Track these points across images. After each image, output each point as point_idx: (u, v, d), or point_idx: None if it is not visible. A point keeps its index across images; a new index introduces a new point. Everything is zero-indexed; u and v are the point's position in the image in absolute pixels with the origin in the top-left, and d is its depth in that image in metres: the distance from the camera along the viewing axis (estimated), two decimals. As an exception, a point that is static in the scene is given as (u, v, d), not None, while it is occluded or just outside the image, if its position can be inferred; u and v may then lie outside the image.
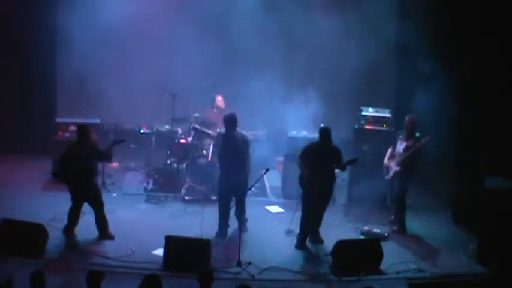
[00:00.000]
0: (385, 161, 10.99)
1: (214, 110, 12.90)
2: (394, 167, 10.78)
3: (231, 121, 10.47)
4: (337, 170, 10.22)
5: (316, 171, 9.93)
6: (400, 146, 10.78)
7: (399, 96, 13.40)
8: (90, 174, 10.01)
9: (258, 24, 12.93)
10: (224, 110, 12.86)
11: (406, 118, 10.80)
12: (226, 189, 10.41)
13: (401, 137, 10.85)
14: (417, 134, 10.73)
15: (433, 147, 10.79)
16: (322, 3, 13.45)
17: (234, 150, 10.34)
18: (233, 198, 10.35)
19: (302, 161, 10.12)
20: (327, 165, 10.02)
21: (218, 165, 10.90)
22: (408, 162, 10.64)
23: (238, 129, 10.58)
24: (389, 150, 11.05)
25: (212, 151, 11.78)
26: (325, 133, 10.08)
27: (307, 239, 10.23)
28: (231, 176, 10.30)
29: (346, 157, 10.18)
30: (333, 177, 10.20)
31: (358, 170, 11.82)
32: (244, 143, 10.48)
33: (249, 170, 10.47)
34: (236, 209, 10.24)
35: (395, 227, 10.87)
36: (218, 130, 12.19)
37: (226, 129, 10.51)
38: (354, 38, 13.54)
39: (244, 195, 10.34)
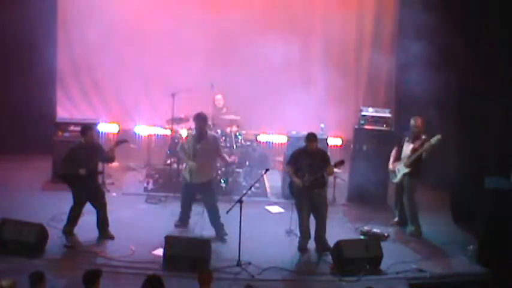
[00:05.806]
0: (390, 165, 10.88)
1: (213, 109, 12.89)
2: (403, 169, 10.71)
3: (202, 120, 10.13)
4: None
5: (306, 178, 9.78)
6: (407, 149, 10.68)
7: (399, 96, 13.38)
8: (93, 175, 10.01)
9: (258, 22, 12.96)
10: (221, 110, 12.86)
11: (412, 121, 10.63)
12: (189, 187, 10.28)
13: (407, 138, 10.74)
14: (423, 136, 10.66)
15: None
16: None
17: (203, 152, 10.04)
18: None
19: (290, 167, 10.05)
20: (316, 170, 9.81)
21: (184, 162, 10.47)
22: (417, 164, 10.60)
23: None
24: (393, 152, 10.94)
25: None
26: (310, 139, 9.92)
27: (316, 248, 10.04)
28: (194, 178, 10.08)
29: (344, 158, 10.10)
30: (322, 183, 10.01)
31: (358, 170, 11.82)
32: (215, 143, 10.28)
33: (216, 170, 10.16)
34: (209, 214, 10.21)
35: (396, 219, 10.96)
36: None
37: (198, 128, 10.15)
38: (354, 36, 13.59)
39: (213, 200, 10.17)
